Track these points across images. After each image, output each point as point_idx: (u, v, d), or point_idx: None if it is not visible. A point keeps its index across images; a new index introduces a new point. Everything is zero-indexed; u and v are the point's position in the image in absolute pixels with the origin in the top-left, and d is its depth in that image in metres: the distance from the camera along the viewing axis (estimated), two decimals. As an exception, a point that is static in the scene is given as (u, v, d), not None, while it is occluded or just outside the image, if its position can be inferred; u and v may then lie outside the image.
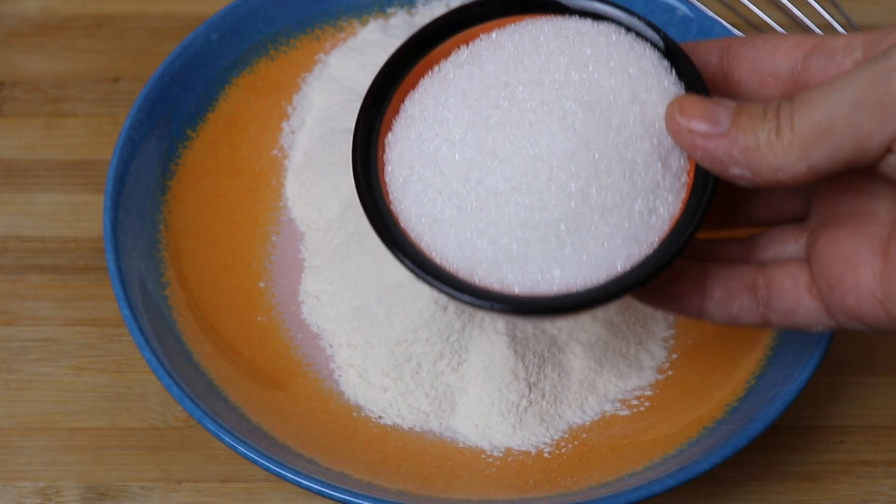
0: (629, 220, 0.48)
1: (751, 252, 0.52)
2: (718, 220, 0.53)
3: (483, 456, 0.58)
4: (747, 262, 0.51)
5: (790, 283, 0.49)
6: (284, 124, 0.67)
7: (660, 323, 0.63)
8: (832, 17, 0.73)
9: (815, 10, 0.75)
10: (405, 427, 0.59)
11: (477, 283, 0.49)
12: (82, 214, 0.67)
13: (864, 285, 0.46)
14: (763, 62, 0.49)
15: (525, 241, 0.48)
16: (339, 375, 0.61)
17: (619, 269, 0.48)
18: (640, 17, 0.51)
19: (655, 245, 0.48)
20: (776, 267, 0.50)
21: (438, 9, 0.69)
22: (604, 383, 0.60)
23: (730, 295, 0.50)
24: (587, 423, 0.60)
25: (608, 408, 0.60)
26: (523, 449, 0.59)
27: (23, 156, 0.70)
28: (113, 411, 0.61)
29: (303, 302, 0.63)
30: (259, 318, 0.62)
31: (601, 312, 0.61)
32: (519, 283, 0.48)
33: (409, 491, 0.55)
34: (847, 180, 0.49)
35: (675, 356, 0.62)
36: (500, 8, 0.52)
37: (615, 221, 0.48)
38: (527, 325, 0.60)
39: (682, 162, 0.49)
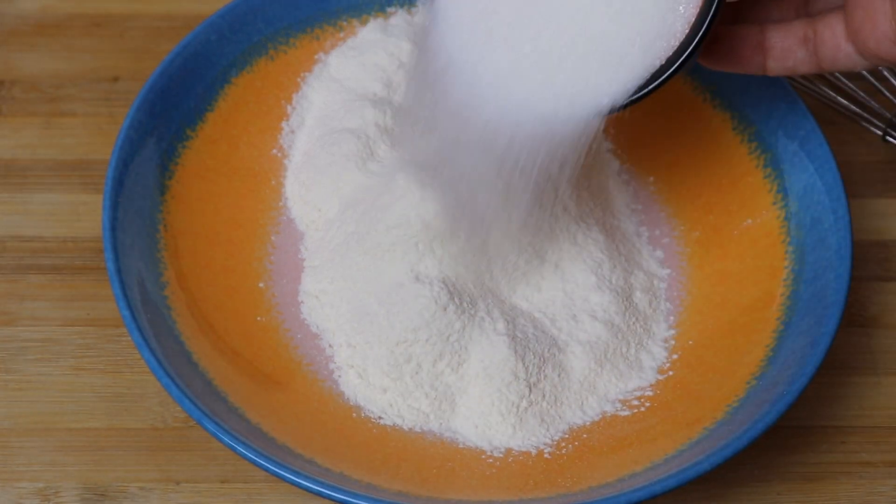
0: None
1: (804, 6, 0.57)
2: None
3: (483, 456, 0.58)
4: (801, 17, 0.56)
5: (830, 32, 0.55)
6: (284, 124, 0.67)
7: (660, 323, 0.63)
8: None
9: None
10: (405, 427, 0.59)
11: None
12: (81, 214, 0.67)
13: (879, 29, 0.53)
14: None
15: (582, 59, 0.52)
16: (339, 376, 0.60)
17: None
18: None
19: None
20: (821, 18, 0.55)
21: (438, 8, 0.69)
22: (604, 384, 0.60)
23: (786, 50, 0.56)
24: (587, 423, 0.59)
25: (608, 408, 0.60)
26: (523, 449, 0.58)
27: (21, 155, 0.69)
28: (112, 412, 0.61)
29: (302, 302, 0.63)
30: (259, 319, 0.62)
31: (601, 312, 0.61)
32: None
33: (409, 491, 0.55)
34: None
35: (675, 356, 0.62)
36: None
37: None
38: (527, 325, 0.60)
39: None
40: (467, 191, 0.60)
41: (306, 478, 0.53)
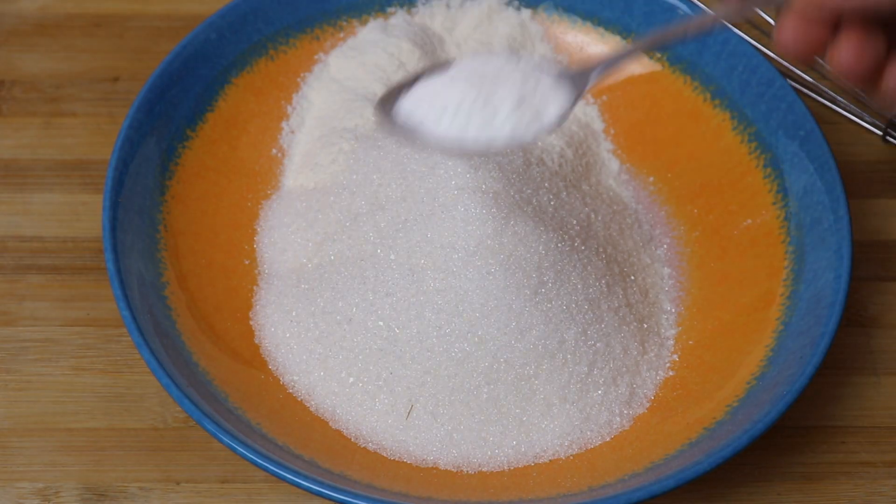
0: None
1: None
2: None
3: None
4: None
5: None
6: (284, 124, 0.67)
7: (660, 323, 0.63)
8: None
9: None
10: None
11: None
12: (81, 214, 0.67)
13: None
14: None
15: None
16: (339, 376, 0.60)
17: None
18: None
19: None
20: None
21: (438, 8, 0.69)
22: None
23: None
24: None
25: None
26: (523, 449, 0.58)
27: (21, 155, 0.69)
28: (112, 412, 0.61)
29: (302, 302, 0.63)
30: (258, 319, 0.62)
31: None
32: None
33: (409, 491, 0.55)
34: None
35: (675, 356, 0.62)
36: None
37: None
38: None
39: None
40: None
41: (307, 478, 0.53)
